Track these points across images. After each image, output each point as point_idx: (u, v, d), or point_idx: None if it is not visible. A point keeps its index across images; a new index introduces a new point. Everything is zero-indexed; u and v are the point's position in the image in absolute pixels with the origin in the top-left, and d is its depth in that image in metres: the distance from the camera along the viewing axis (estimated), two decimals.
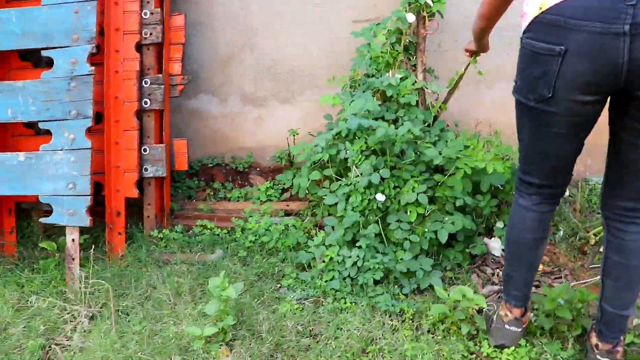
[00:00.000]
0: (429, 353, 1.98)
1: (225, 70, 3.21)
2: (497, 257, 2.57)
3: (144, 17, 2.70)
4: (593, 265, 2.51)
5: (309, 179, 2.71)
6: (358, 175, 2.53)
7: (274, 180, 3.21)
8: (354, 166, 2.54)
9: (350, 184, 2.55)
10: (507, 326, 1.97)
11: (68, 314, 2.30)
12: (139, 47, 2.72)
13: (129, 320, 2.24)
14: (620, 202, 1.74)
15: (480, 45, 2.26)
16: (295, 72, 3.17)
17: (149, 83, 2.72)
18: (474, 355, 2.01)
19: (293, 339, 2.10)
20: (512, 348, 1.98)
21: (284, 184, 3.17)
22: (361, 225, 2.49)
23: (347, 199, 2.56)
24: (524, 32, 1.61)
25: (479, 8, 2.06)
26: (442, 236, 2.41)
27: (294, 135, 3.12)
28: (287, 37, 3.10)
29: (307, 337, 2.13)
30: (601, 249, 2.58)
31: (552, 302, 2.00)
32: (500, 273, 2.49)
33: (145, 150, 2.74)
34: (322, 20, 3.06)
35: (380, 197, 2.47)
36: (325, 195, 2.67)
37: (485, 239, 2.59)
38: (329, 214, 2.77)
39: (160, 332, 2.15)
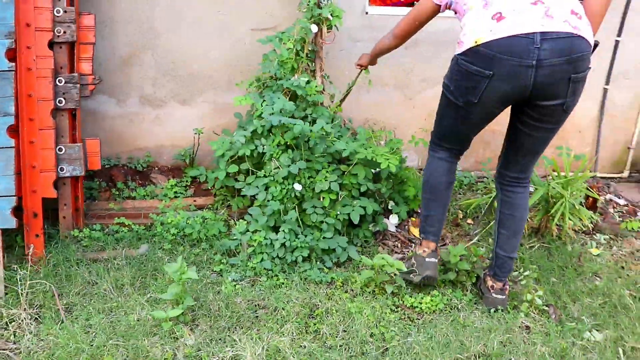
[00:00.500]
0: (367, 309, 2.38)
1: (125, 70, 3.27)
2: (394, 232, 3.06)
3: (56, 14, 2.68)
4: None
5: (227, 173, 2.93)
6: (277, 168, 2.83)
7: (179, 178, 3.35)
8: (274, 159, 2.83)
9: (269, 175, 2.84)
10: (427, 259, 2.47)
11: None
12: (51, 45, 2.69)
13: (76, 317, 2.26)
14: (511, 173, 2.39)
15: (374, 61, 2.87)
16: (195, 74, 3.35)
17: (63, 82, 2.71)
18: (399, 308, 2.45)
19: (246, 313, 2.34)
20: (429, 298, 2.46)
21: (187, 181, 3.34)
22: (282, 212, 2.79)
23: (265, 190, 2.84)
24: (461, 55, 2.13)
25: (394, 29, 2.56)
26: (354, 217, 2.81)
27: (199, 134, 3.30)
28: (189, 40, 3.27)
29: (258, 309, 2.38)
30: (469, 220, 3.23)
31: (455, 257, 2.53)
32: (399, 245, 2.98)
33: (60, 149, 2.71)
34: (223, 27, 3.28)
35: (297, 187, 2.80)
36: (242, 188, 2.92)
37: (385, 219, 3.06)
38: (244, 205, 3.04)
39: (116, 322, 2.23)
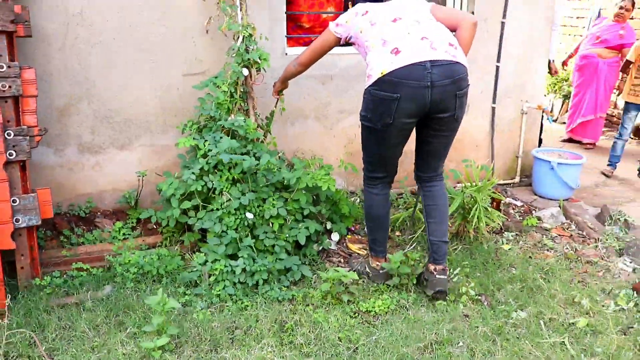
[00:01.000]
0: (330, 317, 2.66)
1: (62, 121, 3.35)
2: (335, 249, 3.38)
3: (0, 70, 2.75)
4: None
5: (180, 209, 3.10)
6: (229, 200, 3.05)
7: (124, 220, 3.45)
8: (224, 193, 3.06)
9: (222, 208, 3.05)
10: (380, 271, 3.02)
11: None
12: None
13: None
14: (425, 174, 2.96)
15: (286, 84, 3.33)
16: (131, 120, 3.50)
17: (12, 134, 2.77)
18: (357, 314, 2.76)
19: (224, 335, 2.54)
20: (380, 301, 2.79)
21: (133, 222, 3.45)
22: (238, 240, 3.01)
23: (220, 221, 3.05)
24: (371, 86, 2.60)
25: (299, 56, 3.04)
26: (301, 238, 3.10)
27: (142, 177, 3.43)
28: (124, 88, 3.42)
29: (234, 330, 2.58)
30: (397, 233, 3.63)
31: (396, 263, 2.89)
32: (342, 260, 3.30)
33: (15, 201, 2.76)
34: (156, 73, 3.47)
35: (249, 215, 3.05)
36: (195, 223, 3.11)
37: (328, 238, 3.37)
38: (195, 239, 3.22)
39: (104, 359, 2.33)
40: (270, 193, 3.18)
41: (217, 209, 3.07)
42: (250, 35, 3.34)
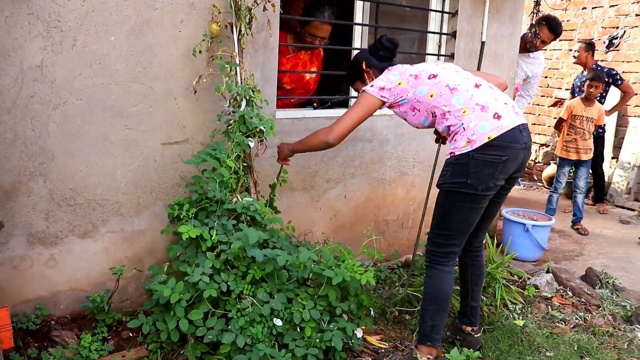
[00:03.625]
0: None
1: (7, 205, 2.52)
2: (357, 350, 2.90)
3: None
4: None
5: (187, 319, 2.43)
6: (252, 304, 2.46)
7: (88, 330, 2.67)
8: (248, 296, 2.46)
9: (243, 315, 2.45)
10: None
11: None
12: None
13: None
14: (478, 239, 2.85)
15: (292, 155, 3.02)
16: (97, 201, 2.75)
17: None
18: None
19: None
20: None
21: (103, 332, 2.69)
22: (269, 356, 2.42)
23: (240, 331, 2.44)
24: (475, 151, 2.45)
25: (335, 129, 2.72)
26: (337, 343, 2.58)
27: (119, 275, 2.68)
28: (90, 161, 2.68)
29: None
30: (407, 316, 3.25)
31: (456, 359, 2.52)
32: (370, 359, 2.83)
33: None
34: (130, 142, 2.78)
35: (278, 322, 2.50)
36: (204, 333, 2.46)
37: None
38: (201, 352, 2.55)
39: None
40: (297, 291, 2.63)
41: (236, 317, 2.45)
42: (252, 99, 2.81)
